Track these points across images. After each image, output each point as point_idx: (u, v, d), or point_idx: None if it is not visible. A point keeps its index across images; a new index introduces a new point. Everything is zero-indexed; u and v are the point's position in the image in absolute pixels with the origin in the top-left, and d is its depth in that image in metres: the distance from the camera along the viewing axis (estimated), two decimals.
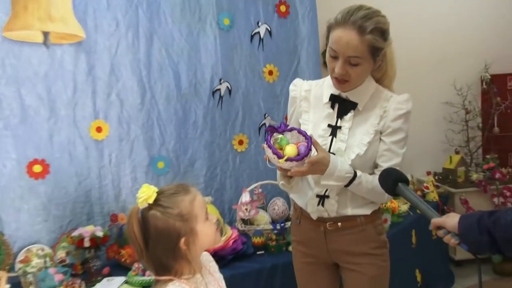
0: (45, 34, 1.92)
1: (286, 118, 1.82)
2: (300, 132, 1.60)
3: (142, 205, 1.25)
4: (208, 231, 1.31)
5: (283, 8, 3.17)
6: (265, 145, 1.57)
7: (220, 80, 2.98)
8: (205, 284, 1.33)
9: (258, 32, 3.09)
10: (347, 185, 1.66)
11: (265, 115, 3.13)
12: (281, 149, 1.56)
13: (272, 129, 1.60)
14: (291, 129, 1.62)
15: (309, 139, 1.57)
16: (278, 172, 1.74)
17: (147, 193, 1.24)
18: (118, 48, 2.67)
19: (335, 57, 1.62)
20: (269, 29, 3.12)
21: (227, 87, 3.01)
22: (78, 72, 2.58)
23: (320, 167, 1.59)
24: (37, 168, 2.48)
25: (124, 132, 2.72)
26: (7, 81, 2.40)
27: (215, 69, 2.96)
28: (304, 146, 1.55)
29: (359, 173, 1.65)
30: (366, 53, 1.58)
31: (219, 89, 2.98)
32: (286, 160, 1.53)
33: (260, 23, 3.10)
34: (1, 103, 2.40)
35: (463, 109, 4.02)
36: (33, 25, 1.82)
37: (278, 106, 3.16)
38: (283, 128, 1.61)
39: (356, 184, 1.65)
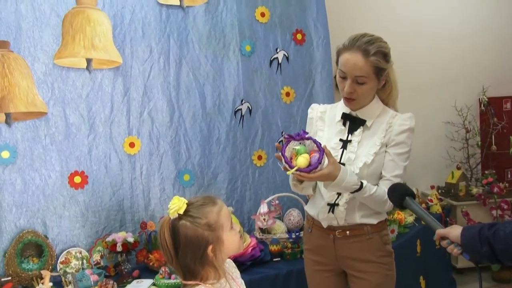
0: (88, 61, 2.01)
1: None
2: (315, 142, 1.60)
3: (173, 215, 1.25)
4: (233, 239, 1.32)
5: (299, 36, 3.21)
6: (279, 154, 1.58)
7: (242, 100, 3.02)
8: None
9: (277, 58, 3.13)
10: (352, 192, 1.68)
11: (282, 133, 3.14)
12: (296, 156, 1.56)
13: (289, 138, 1.60)
14: (308, 138, 1.59)
15: (321, 151, 1.56)
16: (290, 175, 1.74)
17: (178, 205, 1.25)
18: (151, 72, 2.74)
19: (344, 78, 1.71)
20: (287, 55, 3.16)
21: (248, 107, 3.04)
22: (115, 94, 2.65)
23: (328, 179, 1.62)
24: (77, 179, 2.55)
25: (154, 147, 2.76)
26: (55, 102, 2.49)
27: (237, 90, 2.99)
28: (315, 158, 1.54)
29: (364, 183, 1.68)
30: (371, 73, 1.67)
31: (240, 109, 3.01)
32: (296, 170, 1.53)
33: (278, 50, 3.13)
34: (48, 122, 2.48)
35: (464, 129, 4.01)
36: (79, 53, 1.92)
37: (294, 124, 3.17)
38: (302, 135, 1.59)
39: (362, 193, 1.68)
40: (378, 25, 3.80)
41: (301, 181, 1.75)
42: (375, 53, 1.65)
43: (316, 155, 1.55)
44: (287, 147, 1.59)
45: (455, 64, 4.10)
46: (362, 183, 1.67)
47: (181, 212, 1.26)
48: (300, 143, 1.59)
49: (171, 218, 1.27)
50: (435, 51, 4.07)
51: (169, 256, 1.26)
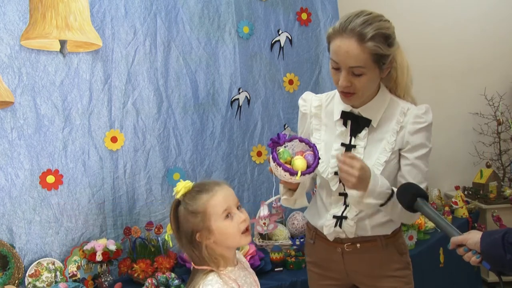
0: (62, 43, 1.98)
1: None
2: (302, 140, 1.57)
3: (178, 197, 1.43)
4: (226, 230, 1.39)
5: (304, 16, 3.20)
6: (272, 164, 1.53)
7: (239, 89, 3.01)
8: (243, 276, 1.45)
9: (279, 41, 3.13)
10: (382, 205, 1.58)
11: (285, 125, 3.14)
12: (286, 163, 1.53)
13: (275, 144, 1.56)
14: (292, 139, 1.59)
15: (314, 147, 1.55)
16: (281, 187, 1.72)
17: (176, 189, 1.42)
18: (135, 57, 2.73)
19: (337, 69, 1.59)
20: (290, 37, 3.15)
21: (246, 96, 3.04)
22: (94, 81, 2.63)
23: (366, 176, 1.51)
24: (50, 179, 2.52)
25: (139, 142, 2.75)
26: (23, 90, 2.46)
27: (233, 78, 2.99)
28: (311, 155, 1.53)
29: (394, 189, 1.58)
30: (369, 62, 1.54)
31: (237, 99, 3.01)
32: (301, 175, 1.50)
33: (280, 31, 3.13)
34: (15, 113, 2.45)
35: (495, 120, 3.98)
36: (51, 34, 1.88)
37: (298, 116, 3.17)
38: (284, 139, 1.57)
39: (391, 202, 1.57)
40: (396, 4, 3.76)
41: (291, 192, 1.70)
42: (373, 37, 1.50)
43: (309, 153, 1.54)
44: (277, 155, 1.56)
45: (485, 45, 4.06)
46: (392, 189, 1.57)
47: (178, 196, 1.42)
48: (285, 147, 1.59)
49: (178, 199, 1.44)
50: (460, 30, 4.03)
51: (177, 239, 1.45)
